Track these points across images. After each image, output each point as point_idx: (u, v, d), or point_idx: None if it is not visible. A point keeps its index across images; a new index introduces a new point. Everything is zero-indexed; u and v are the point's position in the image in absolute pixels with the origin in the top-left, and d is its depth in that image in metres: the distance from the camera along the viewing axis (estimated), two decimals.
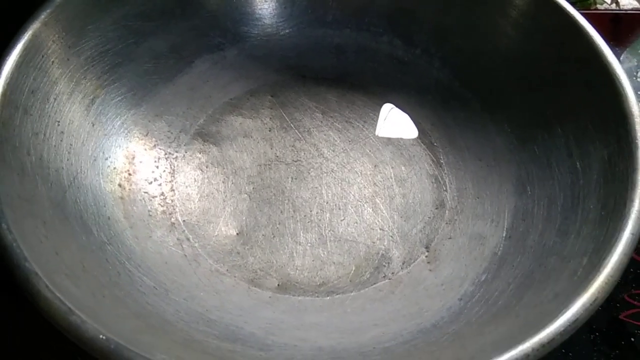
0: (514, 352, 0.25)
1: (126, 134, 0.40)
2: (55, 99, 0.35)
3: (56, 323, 0.25)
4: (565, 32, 0.38)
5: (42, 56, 0.35)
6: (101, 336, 0.24)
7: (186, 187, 0.41)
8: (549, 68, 0.39)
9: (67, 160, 0.35)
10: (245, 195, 0.41)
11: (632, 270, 0.43)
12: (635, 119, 0.32)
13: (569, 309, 0.26)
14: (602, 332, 0.40)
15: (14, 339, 0.38)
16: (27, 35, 0.34)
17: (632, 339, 0.40)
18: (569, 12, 0.37)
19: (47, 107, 0.35)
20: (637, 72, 0.56)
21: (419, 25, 0.45)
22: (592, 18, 0.37)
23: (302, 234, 0.39)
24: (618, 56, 0.58)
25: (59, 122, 0.35)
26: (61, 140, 0.35)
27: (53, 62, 0.36)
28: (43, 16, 0.35)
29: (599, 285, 0.27)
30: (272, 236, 0.39)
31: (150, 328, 0.29)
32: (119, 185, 0.38)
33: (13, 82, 0.32)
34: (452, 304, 0.34)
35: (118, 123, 0.40)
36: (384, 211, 0.41)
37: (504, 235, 0.37)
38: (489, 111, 0.43)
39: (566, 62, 0.38)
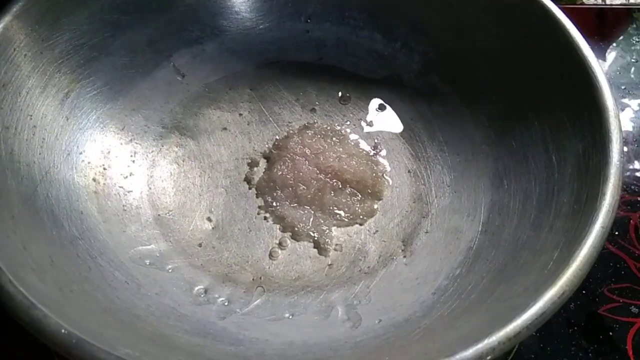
0: (480, 346, 0.25)
1: (102, 128, 0.40)
2: (27, 93, 0.35)
3: (18, 317, 0.24)
4: (543, 26, 0.37)
5: (14, 49, 0.34)
6: (63, 330, 0.24)
7: (162, 181, 0.41)
8: (527, 62, 0.39)
9: (40, 154, 0.35)
10: (222, 189, 0.41)
11: (611, 264, 0.43)
12: (610, 112, 0.32)
13: (537, 302, 0.26)
14: (581, 327, 0.40)
15: None
16: None
17: (611, 333, 0.40)
18: (546, 6, 0.37)
19: (18, 100, 0.34)
20: (631, 69, 0.56)
21: (399, 19, 0.45)
22: (577, 13, 0.37)
23: (278, 228, 0.39)
24: (604, 51, 0.58)
25: (31, 116, 0.35)
26: (33, 134, 0.35)
27: (25, 55, 0.35)
28: (15, 9, 0.34)
29: (568, 279, 0.26)
30: (248, 230, 0.39)
31: (118, 323, 0.29)
32: (94, 179, 0.38)
33: None
34: (426, 298, 0.34)
35: (93, 117, 0.40)
36: None
37: (480, 229, 0.37)
38: (468, 105, 0.42)
39: (543, 56, 0.37)
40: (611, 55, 0.57)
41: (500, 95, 0.41)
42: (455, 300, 0.32)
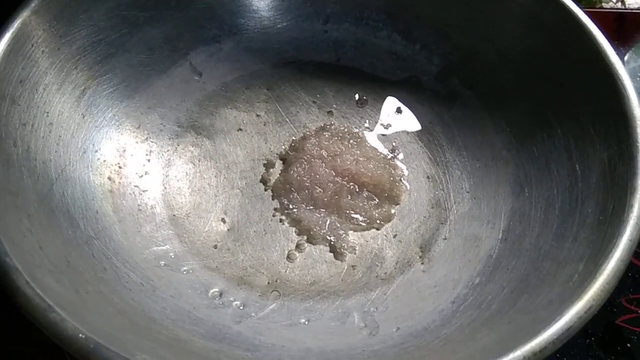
0: None
1: (117, 126, 0.40)
2: (44, 89, 0.35)
3: (35, 320, 0.24)
4: (568, 31, 0.37)
5: (32, 45, 0.34)
6: (80, 335, 0.23)
7: (177, 181, 0.40)
8: (551, 67, 0.38)
9: (56, 152, 0.34)
10: (238, 190, 0.40)
11: (630, 274, 0.42)
12: (637, 122, 0.32)
13: (563, 316, 0.25)
14: (598, 337, 0.39)
15: None
16: (17, 23, 0.33)
17: (629, 345, 0.39)
18: (572, 10, 0.37)
19: (35, 97, 0.34)
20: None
21: (418, 21, 0.45)
22: (596, 17, 0.36)
23: (294, 231, 0.39)
24: (622, 55, 0.57)
25: (48, 113, 0.35)
26: (50, 132, 0.34)
27: (43, 51, 0.35)
28: (33, 4, 0.34)
29: (594, 293, 0.26)
30: (263, 233, 0.38)
31: (134, 326, 0.28)
32: (109, 178, 0.37)
33: (0, 72, 0.31)
34: (445, 307, 0.33)
35: (109, 115, 0.39)
36: None
37: (500, 237, 0.36)
38: (488, 110, 0.42)
39: (568, 61, 0.37)
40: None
41: (522, 100, 0.40)
42: (475, 310, 0.31)
